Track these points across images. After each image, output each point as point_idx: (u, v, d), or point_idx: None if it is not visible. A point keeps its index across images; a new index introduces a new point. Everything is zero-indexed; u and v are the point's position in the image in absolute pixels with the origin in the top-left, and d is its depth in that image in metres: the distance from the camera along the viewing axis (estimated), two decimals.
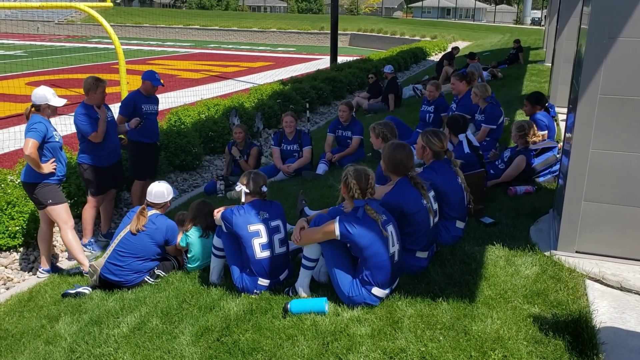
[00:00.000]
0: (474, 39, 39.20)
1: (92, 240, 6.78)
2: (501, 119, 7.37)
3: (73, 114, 6.46)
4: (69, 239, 5.87)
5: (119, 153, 6.91)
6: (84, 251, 6.20)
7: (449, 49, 18.57)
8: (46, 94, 5.68)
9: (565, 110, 9.26)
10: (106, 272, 5.07)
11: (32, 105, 5.69)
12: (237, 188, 4.41)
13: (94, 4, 13.91)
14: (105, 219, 7.06)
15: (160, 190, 5.18)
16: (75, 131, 6.57)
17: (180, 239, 5.18)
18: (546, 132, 6.88)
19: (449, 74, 14.92)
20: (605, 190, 4.05)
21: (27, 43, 38.53)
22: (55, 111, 5.81)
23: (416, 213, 4.11)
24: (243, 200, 4.38)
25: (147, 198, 5.21)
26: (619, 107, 3.90)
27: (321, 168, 8.01)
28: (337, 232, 3.69)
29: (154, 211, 5.17)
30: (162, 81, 7.27)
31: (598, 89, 3.92)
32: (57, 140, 5.80)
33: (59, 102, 5.76)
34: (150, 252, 5.08)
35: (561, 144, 6.85)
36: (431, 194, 4.32)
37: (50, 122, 5.74)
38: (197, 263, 5.04)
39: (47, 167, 5.68)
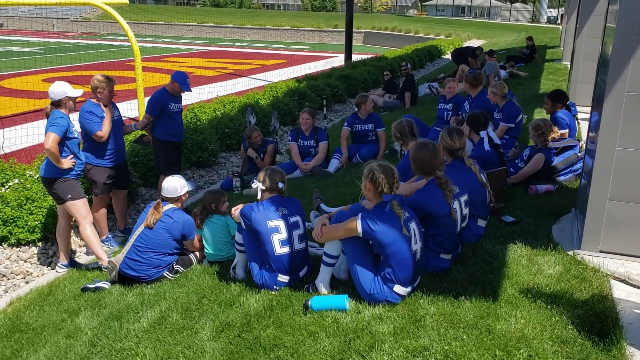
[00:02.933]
0: (489, 37, 38.93)
1: (109, 236, 6.80)
2: (519, 117, 7.30)
3: None
4: (88, 233, 5.89)
5: (124, 154, 6.78)
6: (102, 246, 6.22)
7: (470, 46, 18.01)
8: (64, 88, 5.70)
9: (584, 108, 9.19)
10: (125, 268, 5.09)
11: (52, 103, 5.70)
12: (254, 185, 4.40)
13: (110, 1, 13.94)
14: (120, 217, 7.05)
15: (172, 185, 5.20)
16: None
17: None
18: (567, 130, 6.80)
19: (465, 72, 14.84)
20: (631, 189, 3.99)
21: (43, 40, 38.82)
22: (75, 102, 5.84)
23: (444, 216, 4.05)
24: (259, 197, 4.37)
25: (161, 192, 5.24)
26: None
27: (333, 164, 7.98)
28: (360, 229, 3.67)
29: (170, 205, 5.19)
30: (189, 86, 7.20)
31: (625, 86, 3.86)
32: (76, 136, 5.83)
33: (77, 92, 5.79)
34: (168, 246, 5.10)
35: (582, 142, 6.77)
36: (464, 198, 4.25)
37: (70, 118, 5.77)
38: (210, 251, 5.14)
39: (67, 162, 5.70)
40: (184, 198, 5.32)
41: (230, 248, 5.08)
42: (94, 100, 6.33)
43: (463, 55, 16.85)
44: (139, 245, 5.04)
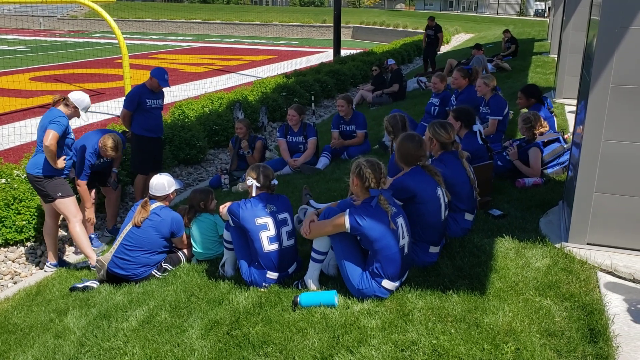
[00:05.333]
0: (477, 31, 39.01)
1: (92, 235, 6.72)
2: (506, 110, 7.30)
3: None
4: (77, 232, 5.86)
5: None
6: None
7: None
8: (83, 101, 5.85)
9: (571, 101, 9.23)
10: (113, 267, 5.06)
11: (64, 98, 5.75)
12: (249, 182, 4.37)
13: None
14: (110, 216, 7.04)
15: (160, 182, 5.17)
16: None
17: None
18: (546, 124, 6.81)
19: (453, 67, 14.87)
20: (617, 181, 4.01)
21: (30, 38, 38.47)
22: (74, 116, 5.89)
23: (429, 202, 4.08)
24: (254, 194, 4.35)
25: (149, 191, 5.22)
26: (631, 97, 3.86)
27: (322, 162, 7.96)
28: (347, 225, 3.67)
29: (158, 204, 5.16)
30: (167, 81, 7.20)
31: (610, 78, 3.87)
32: (72, 137, 5.85)
33: (84, 117, 5.85)
34: (157, 244, 5.08)
35: (568, 134, 6.80)
36: (444, 187, 4.28)
37: (68, 119, 5.78)
38: (198, 249, 5.13)
39: (60, 162, 5.71)
40: (172, 196, 5.29)
41: (218, 246, 5.07)
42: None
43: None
44: (127, 244, 5.01)
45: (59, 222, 6.32)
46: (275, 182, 4.40)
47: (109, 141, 6.30)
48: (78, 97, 5.82)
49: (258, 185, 4.33)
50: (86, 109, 5.89)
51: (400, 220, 3.80)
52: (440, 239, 4.22)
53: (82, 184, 6.26)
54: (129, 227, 5.06)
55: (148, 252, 5.04)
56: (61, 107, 5.73)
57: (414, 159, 4.22)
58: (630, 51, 3.82)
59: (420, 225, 4.09)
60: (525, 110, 7.22)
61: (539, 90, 7.30)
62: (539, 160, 5.98)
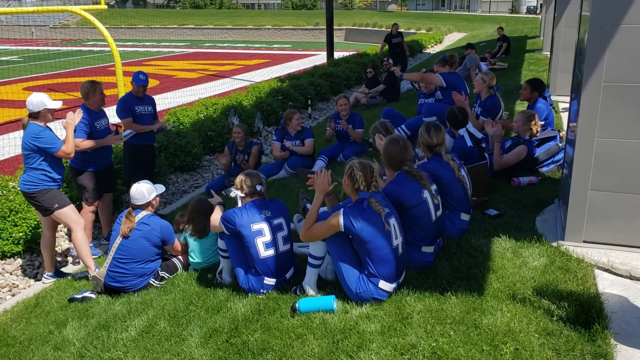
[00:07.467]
0: (469, 29, 39.09)
1: (90, 245, 6.70)
2: (500, 114, 7.24)
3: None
4: (79, 240, 5.80)
5: (110, 159, 6.88)
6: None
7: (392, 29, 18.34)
8: (42, 99, 5.61)
9: (564, 98, 9.24)
10: (110, 281, 5.04)
11: (30, 115, 5.63)
12: (232, 194, 4.39)
13: (88, 6, 13.89)
14: (105, 223, 7.02)
15: (139, 190, 5.12)
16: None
17: (181, 237, 5.25)
18: (542, 122, 6.80)
19: None
20: (612, 178, 4.02)
21: (22, 48, 38.41)
22: (53, 115, 5.75)
23: (415, 207, 4.09)
24: (239, 204, 4.35)
25: (131, 201, 5.19)
26: (623, 94, 3.88)
27: (318, 165, 7.96)
28: (341, 223, 3.67)
29: (145, 212, 5.12)
30: (144, 80, 7.22)
31: (602, 76, 3.89)
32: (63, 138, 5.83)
33: (56, 105, 5.69)
34: (149, 253, 5.05)
35: (563, 132, 6.81)
36: (433, 187, 4.29)
37: (51, 130, 5.70)
38: (197, 259, 5.10)
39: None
40: (154, 203, 5.23)
41: (216, 255, 5.03)
42: (88, 106, 6.45)
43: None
44: (119, 257, 4.97)
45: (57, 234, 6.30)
46: (259, 187, 4.38)
47: (82, 83, 6.43)
48: (33, 100, 5.58)
49: (242, 195, 4.34)
50: (44, 105, 5.60)
51: (393, 221, 3.81)
52: (433, 239, 4.22)
53: (79, 143, 6.16)
54: (118, 240, 5.02)
55: (142, 262, 5.01)
56: (34, 122, 5.60)
57: (398, 164, 4.22)
58: (621, 49, 3.84)
59: (412, 227, 4.11)
60: (519, 107, 7.21)
61: (544, 85, 7.28)
62: (519, 157, 5.94)
